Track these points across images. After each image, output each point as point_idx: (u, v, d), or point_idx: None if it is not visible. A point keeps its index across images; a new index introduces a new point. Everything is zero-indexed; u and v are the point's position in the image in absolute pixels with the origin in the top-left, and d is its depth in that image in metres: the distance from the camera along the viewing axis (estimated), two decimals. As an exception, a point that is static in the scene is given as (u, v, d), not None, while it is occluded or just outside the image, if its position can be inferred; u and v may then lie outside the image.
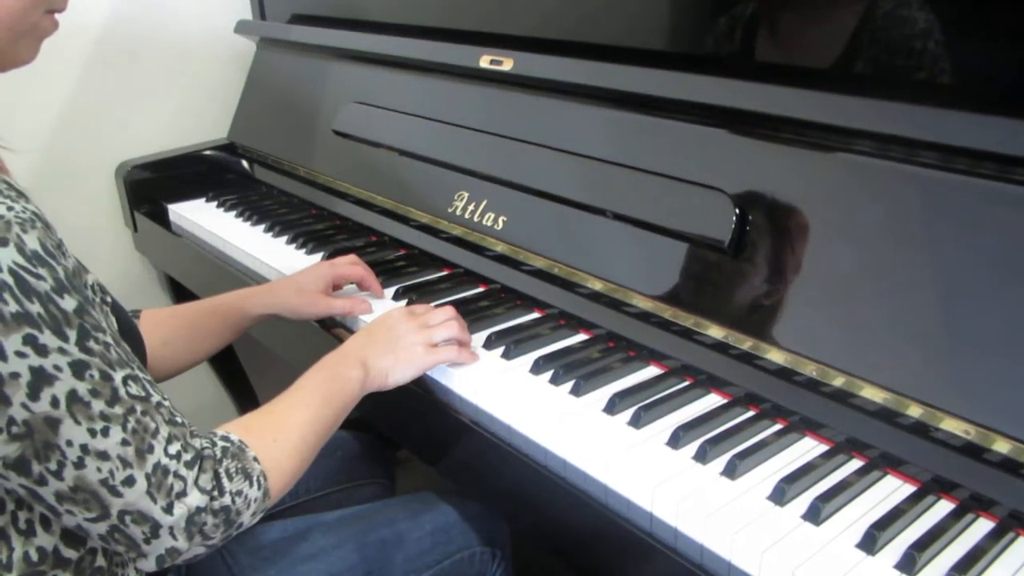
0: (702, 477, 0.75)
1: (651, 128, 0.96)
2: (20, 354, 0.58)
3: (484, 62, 1.13)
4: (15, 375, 0.58)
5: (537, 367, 0.91)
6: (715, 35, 0.98)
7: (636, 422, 0.81)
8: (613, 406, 0.84)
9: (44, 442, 0.60)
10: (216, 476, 0.68)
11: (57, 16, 0.73)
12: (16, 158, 0.74)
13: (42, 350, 0.59)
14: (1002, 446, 0.69)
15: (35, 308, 0.59)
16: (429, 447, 1.00)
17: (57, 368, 0.60)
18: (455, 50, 1.19)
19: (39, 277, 0.60)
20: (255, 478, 0.70)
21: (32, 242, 0.60)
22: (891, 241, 0.78)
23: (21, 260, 0.59)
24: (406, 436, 1.06)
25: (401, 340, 0.89)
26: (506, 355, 0.94)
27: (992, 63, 0.77)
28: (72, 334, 0.61)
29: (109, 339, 0.64)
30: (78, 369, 0.61)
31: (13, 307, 0.58)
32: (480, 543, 0.98)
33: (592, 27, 1.09)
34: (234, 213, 1.50)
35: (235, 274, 1.32)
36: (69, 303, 0.61)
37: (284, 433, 0.76)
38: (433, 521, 0.97)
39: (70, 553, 0.67)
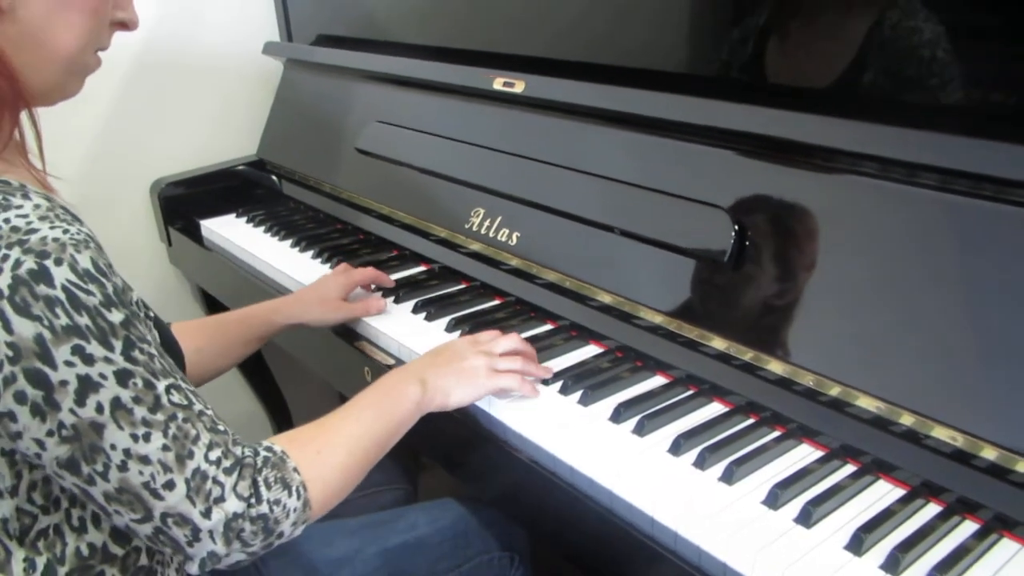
0: (701, 483, 0.79)
1: (655, 148, 1.01)
2: (69, 363, 0.63)
3: (497, 84, 1.18)
4: (64, 383, 0.63)
5: (548, 379, 0.96)
6: (716, 58, 1.02)
7: (640, 430, 0.86)
8: (619, 415, 0.88)
9: (90, 445, 0.65)
10: (255, 484, 0.71)
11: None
12: (60, 174, 0.79)
13: (89, 359, 0.64)
14: (989, 453, 0.73)
15: (83, 321, 0.64)
16: (448, 455, 1.05)
17: (103, 376, 0.65)
18: (469, 72, 1.24)
19: (89, 292, 0.65)
20: (294, 488, 0.73)
21: (84, 261, 0.65)
22: (885, 258, 0.81)
23: (73, 277, 0.64)
24: (424, 445, 1.11)
25: (464, 362, 0.91)
26: (519, 366, 0.99)
27: (980, 90, 0.81)
28: (118, 345, 0.66)
29: (153, 351, 0.69)
30: (122, 377, 0.66)
31: (64, 320, 0.63)
32: (499, 548, 1.02)
33: (602, 49, 1.14)
34: (263, 228, 1.56)
35: (263, 287, 1.38)
36: (116, 316, 0.66)
37: (330, 446, 0.78)
38: (453, 527, 1.01)
39: (116, 550, 0.73)
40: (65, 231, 0.66)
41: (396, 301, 1.19)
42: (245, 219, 1.63)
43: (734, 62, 1.00)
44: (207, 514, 0.68)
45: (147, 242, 1.74)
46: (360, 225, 1.48)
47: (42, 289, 0.63)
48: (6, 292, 0.62)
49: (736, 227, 0.90)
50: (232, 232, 1.57)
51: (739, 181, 0.92)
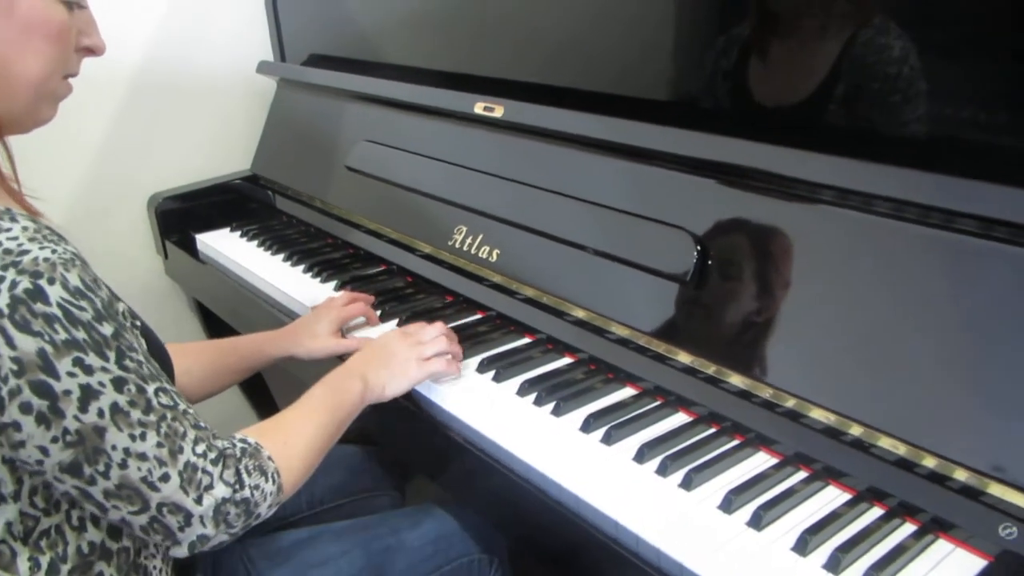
0: (662, 489, 0.84)
1: (625, 172, 1.06)
2: (71, 374, 0.69)
3: (479, 108, 1.24)
4: (67, 392, 0.69)
5: (523, 389, 1.01)
6: (684, 87, 1.08)
7: (608, 440, 0.91)
8: (588, 425, 0.93)
9: (93, 448, 0.70)
10: (237, 472, 0.78)
11: (90, 64, 0.84)
12: (59, 192, 0.84)
13: (88, 369, 0.70)
14: (930, 461, 0.78)
15: (80, 335, 0.70)
16: (429, 463, 1.10)
17: (101, 384, 0.70)
18: (453, 96, 1.30)
19: (81, 308, 0.70)
20: (270, 474, 0.81)
21: (73, 279, 0.70)
22: (835, 281, 0.87)
23: (66, 295, 0.69)
24: (409, 453, 1.16)
25: (396, 356, 1.01)
26: (496, 378, 1.04)
27: (933, 128, 0.87)
28: (111, 355, 0.71)
29: (140, 357, 0.75)
30: (118, 384, 0.71)
31: (63, 335, 0.69)
32: (478, 551, 1.07)
33: (580, 75, 1.20)
34: (256, 243, 1.62)
35: (257, 301, 1.44)
36: (107, 329, 0.72)
37: (293, 438, 0.87)
38: (435, 530, 1.07)
39: (112, 545, 0.79)
40: (53, 251, 0.70)
41: (382, 316, 1.25)
42: (239, 233, 1.68)
43: (701, 92, 1.06)
44: (199, 501, 0.75)
45: (144, 255, 1.80)
46: (350, 240, 1.53)
47: (39, 307, 0.68)
48: (6, 311, 0.67)
49: (698, 248, 0.96)
50: (227, 246, 1.63)
51: (702, 205, 0.98)
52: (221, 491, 0.76)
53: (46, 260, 0.69)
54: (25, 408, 0.68)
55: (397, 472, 1.33)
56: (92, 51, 0.84)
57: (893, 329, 0.82)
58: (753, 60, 1.01)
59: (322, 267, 1.44)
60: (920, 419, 0.79)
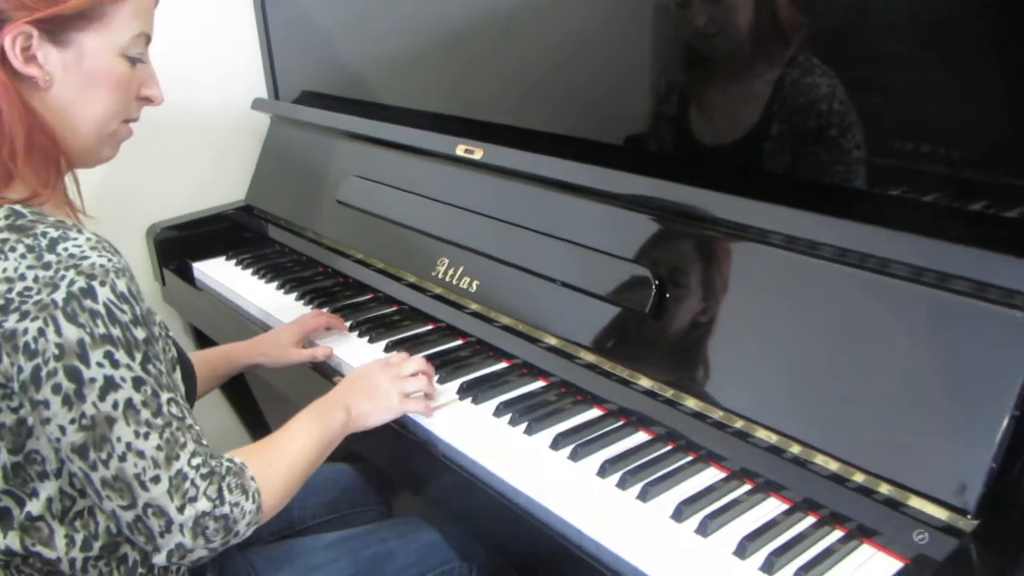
0: (621, 501, 0.94)
1: (592, 211, 1.17)
2: (100, 364, 0.78)
3: (459, 151, 1.34)
4: (93, 379, 0.78)
5: (499, 410, 1.11)
6: (646, 135, 1.19)
7: (575, 456, 1.01)
8: (557, 443, 1.03)
9: (101, 435, 0.79)
10: (220, 489, 0.83)
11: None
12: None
13: (115, 363, 0.79)
14: (858, 477, 0.88)
15: (116, 332, 0.80)
16: (412, 477, 1.20)
17: (122, 379, 0.80)
18: (436, 138, 1.41)
19: (122, 311, 0.80)
20: (251, 493, 0.87)
21: (121, 285, 0.81)
22: (777, 315, 0.97)
23: (112, 297, 0.80)
24: (394, 469, 1.26)
25: (379, 389, 1.08)
26: (475, 401, 1.14)
27: (864, 178, 0.97)
28: (138, 356, 0.81)
29: (163, 368, 0.84)
30: (137, 383, 0.80)
31: (102, 329, 0.79)
32: (458, 559, 1.16)
33: (556, 120, 1.30)
34: (251, 271, 1.71)
35: (251, 327, 1.53)
36: (140, 333, 0.82)
37: (276, 461, 0.93)
38: (418, 540, 1.16)
39: None
40: (109, 260, 0.82)
41: (370, 341, 1.34)
42: (235, 262, 1.78)
43: (662, 140, 1.17)
44: (181, 509, 0.81)
45: (142, 281, 1.86)
46: (339, 268, 1.63)
47: (88, 303, 0.78)
48: (60, 304, 0.78)
49: (656, 283, 1.06)
50: (223, 274, 1.72)
51: (661, 244, 1.08)
52: (203, 505, 0.82)
53: (102, 266, 0.80)
54: (56, 389, 0.78)
55: (384, 488, 1.42)
56: (150, 100, 0.97)
57: (828, 360, 0.92)
58: (710, 112, 1.12)
59: (314, 295, 1.54)
60: (850, 439, 0.89)
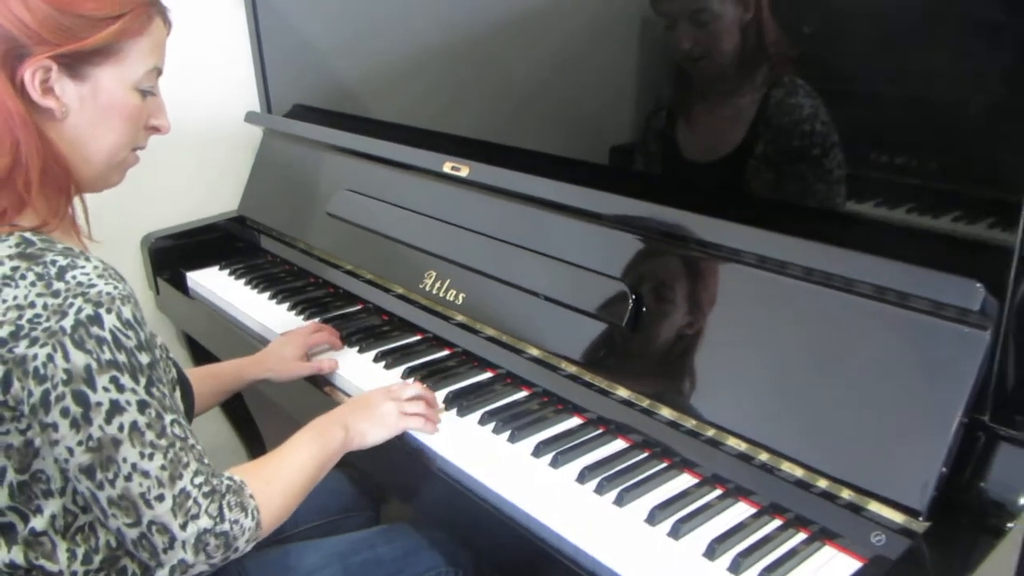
0: (598, 505, 0.99)
1: (573, 228, 1.22)
2: (106, 388, 0.82)
3: (447, 168, 1.39)
4: (99, 403, 0.82)
5: (484, 419, 1.16)
6: (624, 155, 1.24)
7: (555, 463, 1.06)
8: (539, 451, 1.08)
9: (108, 456, 0.83)
10: (220, 507, 0.87)
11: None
12: None
13: (120, 388, 0.83)
14: (822, 483, 0.93)
15: (121, 358, 0.84)
16: (400, 484, 1.24)
17: (127, 403, 0.84)
18: (424, 155, 1.46)
19: (127, 337, 0.85)
20: (250, 511, 0.90)
21: (127, 312, 0.85)
22: (748, 329, 1.02)
23: (118, 324, 0.84)
24: (383, 476, 1.30)
25: (377, 408, 1.12)
26: (460, 412, 1.19)
27: (827, 202, 1.03)
28: (143, 380, 0.85)
29: (166, 391, 0.88)
30: (141, 407, 0.84)
31: (108, 355, 0.83)
32: (445, 564, 1.20)
33: (542, 139, 1.36)
34: (243, 281, 1.75)
35: (243, 336, 1.57)
36: (144, 359, 0.86)
37: (275, 479, 0.97)
38: (406, 546, 1.20)
39: None
40: (115, 287, 0.86)
41: (360, 351, 1.39)
42: (228, 272, 1.82)
43: (640, 160, 1.22)
44: (184, 527, 0.85)
45: (136, 290, 1.91)
46: (330, 279, 1.67)
47: (95, 331, 0.82)
48: (68, 331, 0.82)
49: (634, 298, 1.11)
50: (216, 284, 1.76)
51: (638, 261, 1.14)
52: (204, 522, 0.85)
53: (108, 294, 0.84)
54: (64, 412, 0.82)
55: (373, 495, 1.46)
56: (158, 130, 1.02)
57: (794, 372, 0.98)
58: (694, 133, 1.17)
59: (305, 305, 1.58)
60: (815, 447, 0.94)
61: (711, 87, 1.15)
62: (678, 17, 1.12)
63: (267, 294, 1.67)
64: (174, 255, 1.89)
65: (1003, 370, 0.88)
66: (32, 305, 0.83)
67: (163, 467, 0.85)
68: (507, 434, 1.12)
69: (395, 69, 1.64)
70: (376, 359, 1.36)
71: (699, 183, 1.17)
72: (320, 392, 1.32)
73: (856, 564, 0.89)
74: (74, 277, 0.85)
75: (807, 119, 1.02)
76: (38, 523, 0.87)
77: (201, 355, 1.94)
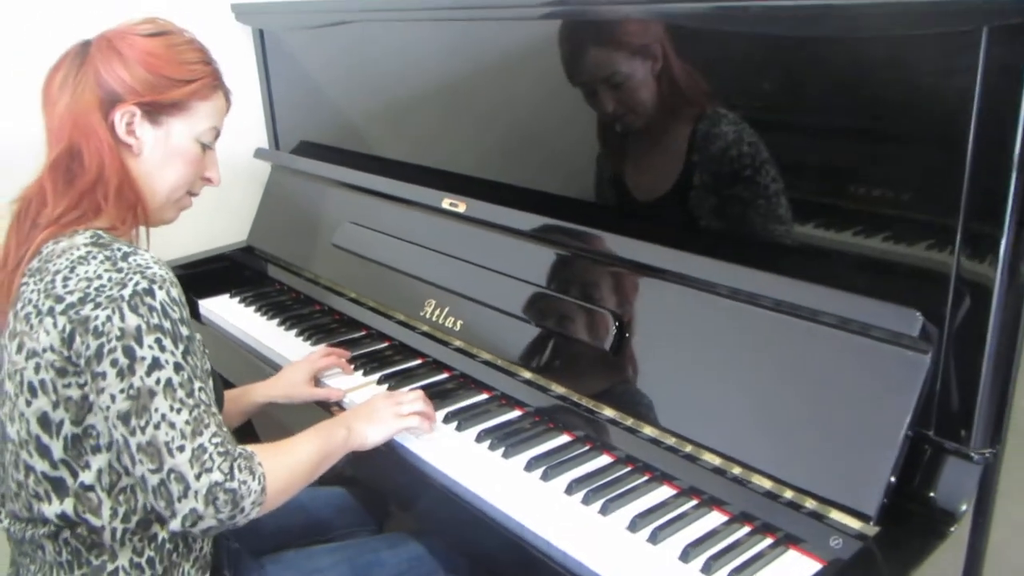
0: (585, 515, 1.08)
1: (562, 261, 1.32)
2: (150, 346, 0.96)
3: (445, 204, 1.50)
4: (143, 358, 0.95)
5: (480, 437, 1.26)
6: (605, 194, 1.34)
7: (545, 477, 1.15)
8: (531, 466, 1.18)
9: (143, 405, 0.95)
10: (231, 466, 0.97)
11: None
12: None
13: (162, 348, 0.96)
14: (788, 493, 1.03)
15: (167, 325, 0.97)
16: (402, 495, 1.33)
17: (166, 362, 0.96)
18: (424, 192, 1.56)
19: (174, 310, 0.99)
20: (257, 476, 1.00)
21: (175, 292, 1.01)
22: (722, 352, 1.12)
23: (167, 299, 0.99)
24: (386, 488, 1.40)
25: (378, 411, 1.24)
26: (458, 428, 1.29)
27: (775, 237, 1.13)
28: (181, 347, 0.98)
29: (198, 363, 1.01)
30: (177, 367, 0.97)
31: (156, 320, 0.97)
32: (444, 570, 1.30)
33: (534, 178, 1.46)
34: (253, 308, 1.85)
35: (253, 361, 1.67)
36: (185, 331, 1.00)
37: (283, 454, 1.08)
38: (408, 552, 1.30)
39: None
40: (167, 273, 1.02)
41: (364, 374, 1.49)
42: (238, 299, 1.92)
43: (613, 200, 1.33)
44: (198, 477, 0.95)
45: (151, 318, 2.02)
46: (335, 306, 1.78)
47: (148, 300, 0.97)
48: (127, 298, 0.96)
49: (617, 325, 1.21)
50: (227, 310, 1.86)
51: (622, 291, 1.24)
52: (216, 476, 0.96)
53: (162, 276, 1.00)
54: (113, 363, 0.95)
55: (376, 511, 1.55)
56: (210, 181, 1.22)
57: (762, 392, 1.08)
58: (649, 174, 1.28)
59: (312, 331, 1.68)
60: (782, 460, 1.04)
61: (644, 135, 1.26)
62: (595, 84, 1.25)
63: (275, 320, 1.77)
64: (187, 283, 1.93)
65: (946, 389, 0.98)
66: (99, 277, 0.98)
67: (187, 422, 0.97)
68: (502, 450, 1.22)
69: (397, 110, 1.75)
70: (380, 382, 1.46)
71: (666, 219, 1.27)
72: (328, 414, 1.42)
73: (817, 566, 0.98)
74: (135, 260, 1.00)
75: (733, 144, 1.13)
76: (87, 477, 1.01)
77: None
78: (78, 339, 0.96)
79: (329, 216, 1.84)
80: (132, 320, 0.95)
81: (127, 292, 0.96)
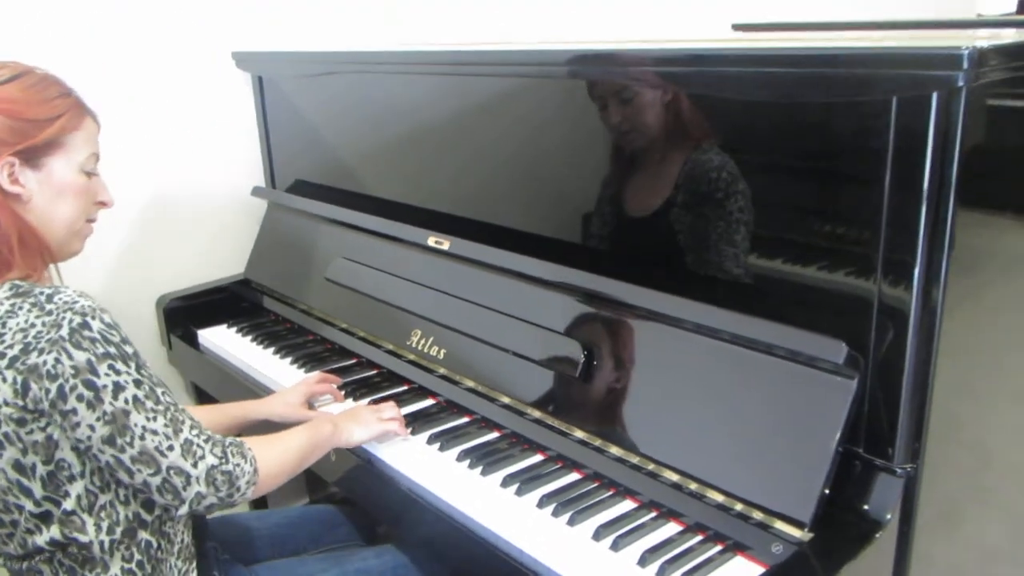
0: (554, 526, 1.20)
1: (536, 295, 1.44)
2: (106, 374, 1.03)
3: (431, 241, 1.62)
4: (104, 386, 1.03)
5: (460, 457, 1.37)
6: (579, 233, 1.47)
7: (519, 492, 1.27)
8: (506, 482, 1.29)
9: (122, 424, 1.04)
10: (223, 451, 1.10)
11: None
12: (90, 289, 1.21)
13: (117, 372, 1.04)
14: (738, 506, 1.14)
15: (112, 350, 1.05)
16: (387, 511, 1.44)
17: (126, 382, 1.05)
18: (410, 230, 1.69)
19: (112, 334, 1.06)
20: (249, 459, 1.13)
21: (107, 317, 1.07)
22: (679, 379, 1.24)
23: (102, 326, 1.05)
24: (372, 505, 1.50)
25: (362, 415, 1.41)
26: (441, 448, 1.40)
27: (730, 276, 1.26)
28: (132, 364, 1.07)
29: (152, 372, 1.10)
30: (137, 383, 1.06)
31: (101, 350, 1.04)
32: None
33: (513, 218, 1.59)
34: (249, 338, 1.96)
35: (249, 387, 1.77)
36: (129, 349, 1.08)
37: (273, 445, 1.20)
38: (393, 560, 1.41)
39: (146, 516, 1.13)
40: (92, 302, 1.08)
41: (355, 400, 1.60)
42: (235, 329, 2.03)
43: (592, 238, 1.45)
44: (195, 465, 1.08)
45: (151, 346, 2.13)
46: (327, 336, 1.89)
47: (87, 333, 1.03)
48: (67, 337, 1.02)
49: (586, 353, 1.33)
50: (224, 340, 1.97)
51: (589, 323, 1.36)
52: (211, 460, 1.09)
53: (90, 306, 1.07)
54: (79, 398, 1.02)
55: (364, 528, 1.65)
56: (104, 204, 1.24)
57: (713, 415, 1.19)
58: (637, 220, 1.41)
59: (305, 359, 1.79)
60: (732, 476, 1.15)
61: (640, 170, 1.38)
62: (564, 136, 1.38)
63: (271, 349, 1.88)
64: (186, 314, 2.10)
65: (874, 409, 1.10)
66: (32, 325, 1.03)
67: (166, 424, 1.08)
68: (480, 468, 1.33)
69: (386, 152, 1.88)
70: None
71: (621, 256, 1.40)
72: (320, 435, 1.52)
73: (760, 570, 1.10)
74: (60, 299, 1.06)
75: (721, 184, 1.24)
76: (68, 504, 1.08)
77: (208, 403, 2.13)
78: (34, 386, 1.01)
79: (322, 251, 1.96)
80: (80, 356, 1.02)
81: (64, 332, 1.02)
